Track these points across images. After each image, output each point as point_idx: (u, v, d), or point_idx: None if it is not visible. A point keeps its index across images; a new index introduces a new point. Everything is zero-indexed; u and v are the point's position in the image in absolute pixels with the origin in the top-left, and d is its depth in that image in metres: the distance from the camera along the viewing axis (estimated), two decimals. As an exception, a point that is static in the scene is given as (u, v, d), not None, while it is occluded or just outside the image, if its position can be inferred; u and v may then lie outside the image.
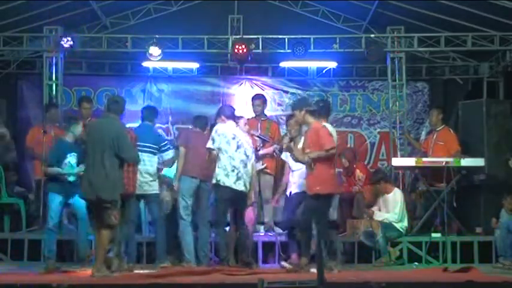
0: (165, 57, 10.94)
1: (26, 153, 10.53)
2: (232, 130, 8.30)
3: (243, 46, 10.59)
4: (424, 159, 9.87)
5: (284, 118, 12.16)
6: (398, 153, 10.95)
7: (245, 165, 8.25)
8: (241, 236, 8.34)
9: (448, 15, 10.61)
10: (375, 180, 9.64)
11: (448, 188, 9.54)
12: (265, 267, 8.86)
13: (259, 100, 10.23)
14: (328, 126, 8.00)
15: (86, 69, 12.28)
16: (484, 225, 9.83)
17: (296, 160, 8.09)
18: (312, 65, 12.28)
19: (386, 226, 9.21)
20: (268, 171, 9.74)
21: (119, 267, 7.73)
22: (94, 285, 6.78)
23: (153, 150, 8.52)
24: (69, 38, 10.58)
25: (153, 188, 8.51)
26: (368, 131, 12.42)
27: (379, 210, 9.48)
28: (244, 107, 11.22)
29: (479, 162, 9.65)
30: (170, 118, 12.26)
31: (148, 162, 8.47)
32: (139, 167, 8.28)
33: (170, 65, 12.28)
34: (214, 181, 8.19)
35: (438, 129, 10.29)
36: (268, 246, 9.41)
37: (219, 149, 8.17)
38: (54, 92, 10.92)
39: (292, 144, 8.12)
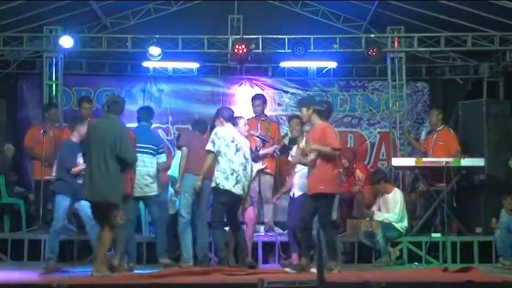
0: (165, 57, 10.95)
1: (24, 152, 10.53)
2: (231, 133, 8.29)
3: (243, 46, 10.59)
4: (424, 159, 9.87)
5: (284, 118, 12.24)
6: (398, 153, 10.95)
7: (244, 168, 8.25)
8: (239, 237, 8.33)
9: (448, 15, 10.61)
10: (375, 181, 9.64)
11: (448, 188, 9.54)
12: (265, 267, 8.85)
13: (259, 100, 10.23)
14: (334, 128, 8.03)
15: (86, 69, 12.28)
16: (484, 225, 9.83)
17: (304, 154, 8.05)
18: (312, 65, 12.28)
19: (386, 226, 9.21)
20: (268, 171, 9.74)
21: (119, 267, 7.73)
22: (94, 285, 6.78)
23: (152, 152, 8.53)
24: (69, 38, 10.60)
25: (153, 189, 8.52)
26: (368, 131, 12.42)
27: (379, 210, 9.47)
28: (244, 107, 11.22)
29: (479, 162, 9.65)
30: (170, 118, 12.26)
31: (149, 164, 8.48)
32: (140, 168, 8.29)
33: (170, 65, 12.28)
34: (213, 184, 8.19)
35: (438, 129, 10.29)
36: (268, 246, 9.41)
37: (218, 152, 8.17)
38: (54, 92, 10.93)
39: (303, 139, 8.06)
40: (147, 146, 8.48)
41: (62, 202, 8.27)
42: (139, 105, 11.79)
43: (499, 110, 10.63)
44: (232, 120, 8.48)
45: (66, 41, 10.65)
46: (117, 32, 11.49)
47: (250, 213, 8.79)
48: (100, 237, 7.41)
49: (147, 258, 9.18)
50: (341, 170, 10.11)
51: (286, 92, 12.49)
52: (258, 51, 11.00)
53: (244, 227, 8.67)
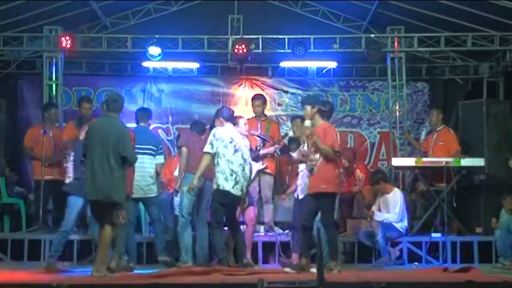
0: (165, 57, 10.95)
1: (24, 152, 10.52)
2: (229, 134, 8.29)
3: (243, 46, 10.59)
4: (424, 159, 9.87)
5: (284, 118, 12.26)
6: (398, 153, 10.95)
7: (243, 169, 8.24)
8: (237, 238, 8.34)
9: (448, 15, 10.61)
10: (375, 181, 9.63)
11: (448, 188, 9.54)
12: (265, 267, 8.85)
13: (259, 100, 10.22)
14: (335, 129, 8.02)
15: (86, 69, 12.29)
16: (484, 225, 9.83)
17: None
18: (312, 65, 12.28)
19: (386, 226, 9.20)
20: (268, 171, 9.74)
21: (116, 268, 7.73)
22: (94, 285, 6.78)
23: (152, 152, 8.53)
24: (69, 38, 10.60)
25: (153, 191, 8.52)
26: (368, 131, 12.43)
27: (379, 210, 9.47)
28: (244, 107, 11.23)
29: (479, 162, 9.66)
30: (170, 118, 12.27)
31: (150, 165, 8.48)
32: (141, 169, 8.30)
33: (170, 65, 12.29)
34: (215, 186, 8.20)
35: (438, 129, 10.29)
36: (268, 246, 9.41)
37: (217, 153, 8.18)
38: (54, 92, 10.93)
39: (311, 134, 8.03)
40: (147, 146, 8.48)
41: (76, 203, 8.21)
42: (140, 105, 11.84)
43: (499, 110, 10.62)
44: (232, 120, 8.48)
45: (66, 41, 10.63)
46: (117, 32, 11.49)
47: (250, 213, 8.79)
48: (100, 237, 7.40)
49: (147, 258, 9.18)
50: (341, 170, 10.15)
51: (286, 92, 12.50)
52: (258, 51, 11.00)
53: (244, 227, 8.67)
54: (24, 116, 11.94)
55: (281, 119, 12.30)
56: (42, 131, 9.82)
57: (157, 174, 8.64)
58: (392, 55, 11.10)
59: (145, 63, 11.91)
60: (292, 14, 11.69)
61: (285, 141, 10.02)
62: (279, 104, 12.47)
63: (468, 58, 12.00)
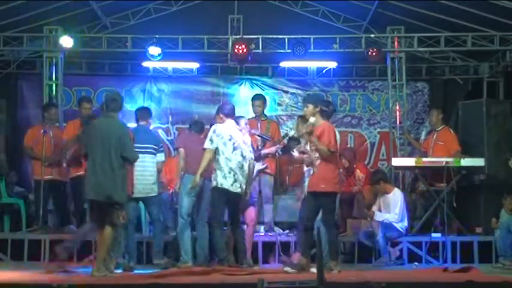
0: (165, 57, 10.95)
1: (24, 152, 10.51)
2: (229, 131, 8.28)
3: (243, 46, 10.59)
4: (424, 159, 9.87)
5: (284, 118, 12.27)
6: (398, 153, 10.95)
7: (242, 167, 8.24)
8: (238, 236, 8.34)
9: (448, 15, 10.61)
10: (375, 181, 9.63)
11: (448, 188, 9.54)
12: (265, 267, 8.85)
13: (259, 100, 10.22)
14: (335, 129, 8.00)
15: (86, 69, 12.29)
16: (484, 225, 9.83)
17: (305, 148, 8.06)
18: (312, 65, 12.29)
19: (387, 226, 9.20)
20: (268, 171, 9.74)
21: (116, 267, 7.76)
22: (94, 285, 6.78)
23: (153, 151, 8.52)
24: (69, 38, 10.62)
25: (154, 190, 8.51)
26: (368, 131, 12.43)
27: (379, 210, 9.47)
28: (244, 107, 11.23)
29: (479, 162, 9.66)
30: (170, 118, 12.27)
31: (151, 164, 8.46)
32: (143, 168, 8.30)
33: (170, 65, 12.29)
34: (214, 184, 8.20)
35: (438, 129, 10.29)
36: (268, 246, 9.40)
37: (217, 149, 8.17)
38: (54, 92, 10.94)
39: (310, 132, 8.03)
40: (148, 145, 8.47)
41: None
42: (139, 105, 11.82)
43: (499, 110, 10.62)
44: (233, 115, 8.47)
45: (66, 41, 10.66)
46: (117, 32, 11.50)
47: (251, 213, 8.79)
48: (101, 237, 7.40)
49: (147, 258, 9.17)
50: (341, 170, 10.16)
51: (286, 92, 12.51)
52: (258, 51, 11.01)
53: (245, 227, 8.66)
54: (24, 116, 11.94)
55: (281, 119, 12.31)
56: (42, 131, 9.81)
57: (159, 172, 8.63)
58: (393, 55, 11.11)
59: (145, 63, 11.91)
60: (292, 14, 11.69)
61: (285, 141, 10.01)
62: (279, 104, 12.48)
63: (468, 58, 12.00)
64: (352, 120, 12.45)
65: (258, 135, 9.52)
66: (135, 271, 8.02)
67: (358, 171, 10.48)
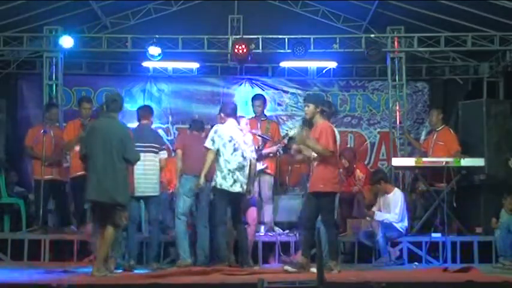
0: (165, 57, 10.94)
1: (24, 151, 10.51)
2: (230, 131, 8.28)
3: (243, 46, 10.59)
4: (424, 159, 9.87)
5: (284, 118, 12.27)
6: (398, 153, 10.95)
7: (242, 167, 8.25)
8: (239, 235, 8.34)
9: (448, 15, 10.61)
10: (375, 181, 9.63)
11: (448, 188, 9.54)
12: (265, 267, 8.85)
13: (259, 100, 10.22)
14: (335, 129, 8.00)
15: (86, 69, 12.29)
16: (484, 225, 9.82)
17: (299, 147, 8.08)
18: (312, 65, 12.28)
19: (387, 226, 9.20)
20: (268, 171, 9.74)
21: (116, 267, 7.76)
22: (94, 285, 6.78)
23: (155, 150, 8.51)
24: (69, 38, 10.62)
25: (156, 190, 8.51)
26: (368, 131, 12.43)
27: (379, 210, 9.47)
28: (244, 107, 11.23)
29: (479, 162, 9.66)
30: (170, 118, 12.27)
31: (153, 162, 8.46)
32: (146, 167, 8.32)
33: (170, 65, 12.29)
34: (213, 184, 8.22)
35: (438, 129, 10.29)
36: (268, 246, 9.41)
37: (218, 150, 8.18)
38: (54, 92, 10.93)
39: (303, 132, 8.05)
40: (150, 144, 8.46)
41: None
42: (140, 105, 11.81)
43: (499, 110, 10.62)
44: (235, 114, 8.47)
45: (66, 41, 10.66)
46: (117, 32, 11.49)
47: (252, 213, 8.80)
48: (102, 238, 7.39)
49: (147, 258, 9.16)
50: (341, 170, 10.17)
51: (286, 92, 12.50)
52: (258, 51, 11.00)
53: (246, 227, 8.66)
54: (24, 116, 11.94)
55: (281, 119, 12.30)
56: (42, 130, 9.81)
57: (161, 169, 8.61)
58: (393, 55, 11.10)
59: (145, 63, 11.91)
60: (292, 14, 11.69)
61: (285, 141, 10.01)
62: (279, 104, 12.48)
63: (468, 58, 12.00)
64: (352, 120, 12.45)
65: (259, 135, 9.53)
66: (135, 271, 8.02)
67: (358, 171, 10.48)
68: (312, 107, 7.92)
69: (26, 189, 10.92)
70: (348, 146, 11.97)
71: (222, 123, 8.44)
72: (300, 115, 12.21)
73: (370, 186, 10.04)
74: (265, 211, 9.82)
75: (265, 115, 10.33)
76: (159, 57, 10.81)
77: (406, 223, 9.41)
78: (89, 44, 11.19)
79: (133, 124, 9.09)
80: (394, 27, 11.05)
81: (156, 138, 8.75)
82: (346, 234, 9.77)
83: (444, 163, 9.50)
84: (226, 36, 11.03)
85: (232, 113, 8.46)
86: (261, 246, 9.31)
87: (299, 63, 12.08)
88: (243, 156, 8.27)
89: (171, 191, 9.60)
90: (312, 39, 10.86)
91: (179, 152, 8.63)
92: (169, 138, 12.07)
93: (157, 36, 10.78)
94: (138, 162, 7.97)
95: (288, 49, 10.89)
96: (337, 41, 10.98)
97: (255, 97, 10.41)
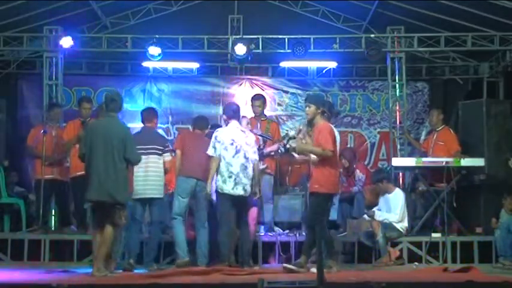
0: (165, 57, 10.95)
1: (26, 151, 10.50)
2: (231, 134, 8.29)
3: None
4: (424, 159, 9.88)
5: (284, 118, 12.27)
6: (398, 153, 10.95)
7: (245, 168, 8.25)
8: (242, 236, 8.34)
9: (448, 15, 10.61)
10: (377, 180, 9.64)
11: (448, 188, 9.54)
12: (265, 267, 8.85)
13: (259, 100, 10.22)
14: (334, 129, 8.00)
15: (86, 69, 12.29)
16: (484, 225, 9.83)
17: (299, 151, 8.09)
18: (312, 65, 12.28)
19: (387, 226, 9.21)
20: (268, 171, 9.74)
21: (116, 267, 7.76)
22: (94, 285, 6.77)
23: (158, 152, 8.51)
24: (69, 38, 10.62)
25: (160, 192, 8.51)
26: (368, 131, 12.43)
27: (380, 210, 9.47)
28: (244, 107, 11.23)
29: (479, 162, 9.66)
30: (170, 118, 12.27)
31: (156, 164, 8.46)
32: (149, 169, 8.34)
33: (170, 65, 12.29)
34: (215, 188, 8.27)
35: (438, 129, 10.29)
36: (268, 246, 9.41)
37: (219, 155, 8.21)
38: (54, 92, 10.93)
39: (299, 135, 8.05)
40: (153, 146, 8.46)
41: None
42: (140, 105, 11.87)
43: (499, 110, 10.62)
44: (237, 115, 8.47)
45: (66, 41, 10.66)
46: (117, 32, 11.49)
47: (253, 213, 8.80)
48: (102, 237, 7.39)
49: (146, 258, 9.15)
50: (341, 170, 10.17)
51: (286, 92, 12.51)
52: (258, 51, 11.00)
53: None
54: (24, 116, 11.94)
55: (281, 119, 12.31)
56: (42, 130, 9.81)
57: (166, 172, 8.60)
58: (393, 55, 11.11)
59: (145, 63, 11.91)
60: (292, 14, 11.69)
61: (285, 141, 9.99)
62: (279, 104, 12.48)
63: (468, 58, 12.00)
64: (352, 120, 12.45)
65: (259, 135, 9.53)
66: (135, 271, 8.02)
67: (358, 171, 10.49)
68: (313, 107, 7.92)
69: (26, 189, 10.93)
70: (348, 146, 11.98)
71: (226, 124, 8.45)
72: (300, 115, 12.23)
73: (370, 185, 10.05)
74: (265, 211, 9.82)
75: (265, 115, 10.33)
76: (159, 57, 10.81)
77: (406, 223, 9.41)
78: (89, 44, 11.19)
79: (133, 124, 9.09)
80: (394, 27, 11.05)
81: (159, 140, 8.73)
82: (346, 234, 9.77)
83: (444, 163, 9.50)
84: (226, 36, 11.03)
85: (235, 114, 8.47)
86: (261, 246, 9.31)
87: (299, 63, 12.08)
88: (245, 157, 8.28)
89: (170, 191, 9.59)
90: (312, 39, 10.86)
91: (178, 152, 8.63)
92: (169, 138, 12.06)
93: (157, 36, 10.78)
94: (140, 165, 7.99)
95: (288, 49, 10.89)
96: (337, 41, 10.98)
97: (255, 97, 10.41)
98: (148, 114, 8.84)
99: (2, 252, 9.35)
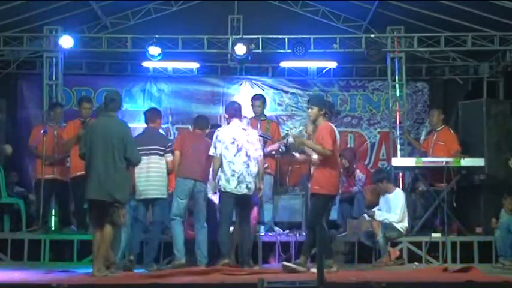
0: (165, 57, 10.95)
1: (28, 150, 10.47)
2: (232, 133, 8.28)
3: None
4: (424, 159, 9.88)
5: (284, 118, 12.27)
6: (399, 153, 10.95)
7: (247, 166, 8.25)
8: (243, 236, 8.34)
9: (448, 15, 10.61)
10: (377, 180, 9.63)
11: (448, 188, 9.54)
12: (265, 267, 8.85)
13: (259, 100, 10.21)
14: (335, 130, 8.01)
15: (86, 69, 12.29)
16: (484, 225, 9.83)
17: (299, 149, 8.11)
18: (312, 65, 12.29)
19: (387, 226, 9.21)
20: (268, 171, 9.73)
21: (116, 267, 7.76)
22: (94, 285, 6.78)
23: (160, 152, 8.50)
24: (69, 38, 10.62)
25: (163, 192, 8.51)
26: (368, 131, 12.43)
27: (380, 210, 9.47)
28: (244, 107, 11.22)
29: (479, 162, 9.66)
30: (170, 118, 12.26)
31: (158, 165, 8.45)
32: (151, 170, 8.34)
33: (170, 65, 12.29)
34: (219, 187, 8.27)
35: (438, 129, 10.29)
36: (268, 246, 9.41)
37: (220, 154, 8.22)
38: (54, 92, 10.93)
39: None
40: (154, 147, 8.46)
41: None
42: (140, 105, 11.89)
43: (499, 110, 10.62)
44: (239, 114, 8.47)
45: (66, 41, 10.66)
46: (117, 32, 11.49)
47: (254, 212, 8.80)
48: (101, 237, 7.39)
49: (146, 258, 9.15)
50: (341, 170, 10.17)
51: (286, 92, 12.51)
52: (258, 51, 11.01)
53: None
54: (24, 116, 11.94)
55: (281, 119, 12.31)
56: (42, 130, 9.81)
57: (169, 172, 8.59)
58: (392, 55, 11.11)
59: (145, 63, 11.91)
60: (292, 14, 11.69)
61: (285, 141, 10.00)
62: (279, 104, 12.48)
63: (468, 58, 12.00)
64: (352, 120, 12.45)
65: (260, 135, 9.52)
66: (135, 271, 8.02)
67: (358, 171, 10.49)
68: (315, 109, 7.94)
69: (26, 189, 10.92)
70: (348, 146, 11.98)
71: (228, 123, 8.46)
72: (300, 115, 12.24)
73: (371, 185, 10.05)
74: (265, 211, 9.82)
75: (265, 115, 10.32)
76: (159, 57, 10.81)
77: (406, 223, 9.41)
78: (89, 44, 11.19)
79: (132, 124, 9.09)
80: (394, 27, 11.05)
81: (161, 140, 8.72)
82: (346, 234, 9.77)
83: (444, 163, 9.50)
84: (226, 36, 11.03)
85: (236, 113, 8.47)
86: (261, 246, 9.31)
87: (299, 63, 12.09)
88: (247, 155, 8.28)
89: (170, 191, 9.58)
90: (312, 39, 10.86)
91: (177, 153, 8.61)
92: (169, 138, 12.06)
93: (157, 36, 10.78)
94: (142, 165, 8.00)
95: (288, 49, 10.90)
96: (337, 41, 10.99)
97: (255, 97, 10.40)
98: (152, 115, 8.84)
99: (2, 252, 9.35)
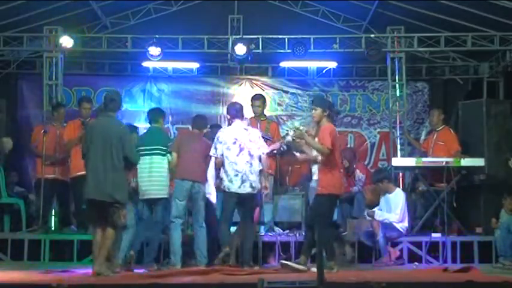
0: (165, 57, 10.95)
1: (30, 148, 10.47)
2: (233, 134, 8.29)
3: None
4: (424, 159, 9.88)
5: (284, 118, 12.27)
6: (399, 153, 10.95)
7: (251, 165, 8.26)
8: (245, 235, 8.34)
9: (448, 15, 10.62)
10: (378, 179, 9.63)
11: (448, 188, 9.54)
12: (265, 267, 8.85)
13: (259, 100, 10.20)
14: (336, 131, 8.02)
15: (86, 69, 12.30)
16: (484, 225, 9.83)
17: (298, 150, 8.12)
18: (312, 65, 12.29)
19: (387, 226, 9.20)
20: (269, 171, 9.72)
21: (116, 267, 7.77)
22: (94, 285, 6.77)
23: (162, 152, 8.50)
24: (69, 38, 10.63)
25: (164, 191, 8.51)
26: (368, 131, 12.44)
27: (381, 209, 9.46)
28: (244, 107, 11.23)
29: (479, 162, 9.66)
30: (170, 118, 12.24)
31: (159, 165, 8.45)
32: (154, 170, 8.36)
33: (170, 65, 12.30)
34: (221, 187, 8.29)
35: (438, 129, 10.29)
36: (268, 246, 9.41)
37: (222, 155, 8.22)
38: (54, 92, 10.93)
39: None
40: (156, 147, 8.45)
41: None
42: (140, 105, 11.90)
43: (499, 110, 10.63)
44: (240, 114, 8.47)
45: (66, 41, 10.66)
46: (117, 32, 11.50)
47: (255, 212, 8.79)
48: (102, 237, 7.39)
49: (146, 257, 9.15)
50: (341, 170, 10.15)
51: (286, 92, 12.51)
52: (258, 51, 11.01)
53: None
54: (24, 116, 11.95)
55: (281, 119, 12.31)
56: (42, 130, 9.81)
57: (171, 172, 8.59)
58: (392, 55, 11.11)
59: (145, 63, 11.92)
60: (292, 14, 11.69)
61: (285, 141, 9.99)
62: (279, 104, 12.48)
63: (468, 58, 12.01)
64: (352, 120, 12.46)
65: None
66: (135, 271, 8.02)
67: (358, 171, 10.49)
68: (319, 110, 7.95)
69: (26, 189, 10.92)
70: (348, 146, 11.98)
71: (230, 124, 8.46)
72: (300, 115, 12.25)
73: (371, 185, 10.05)
74: (265, 211, 9.80)
75: (265, 115, 10.32)
76: (159, 57, 10.81)
77: (406, 223, 9.41)
78: (89, 44, 11.20)
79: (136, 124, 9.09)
80: (394, 27, 11.05)
81: (163, 140, 8.71)
82: (346, 234, 9.76)
83: (444, 163, 9.50)
84: (226, 36, 11.04)
85: (238, 114, 8.47)
86: (261, 246, 9.30)
87: (299, 63, 12.09)
88: (250, 154, 8.29)
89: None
90: (312, 39, 10.87)
91: (174, 155, 8.59)
92: (171, 138, 12.06)
93: (157, 36, 10.79)
94: (144, 165, 8.00)
95: (288, 49, 10.90)
96: (337, 41, 10.99)
97: (255, 97, 10.39)
98: (155, 115, 8.85)
99: (2, 252, 9.36)
